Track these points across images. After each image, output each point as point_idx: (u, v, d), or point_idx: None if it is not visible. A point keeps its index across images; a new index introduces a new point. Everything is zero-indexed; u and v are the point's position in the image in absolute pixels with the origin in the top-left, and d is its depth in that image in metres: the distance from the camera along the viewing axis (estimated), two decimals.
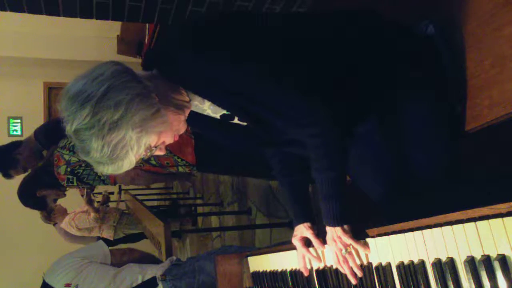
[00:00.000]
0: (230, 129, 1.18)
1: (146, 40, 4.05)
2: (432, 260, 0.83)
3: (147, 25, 3.93)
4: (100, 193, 4.86)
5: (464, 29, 1.14)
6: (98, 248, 2.48)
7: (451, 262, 0.79)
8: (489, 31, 1.07)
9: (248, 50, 0.97)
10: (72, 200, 3.95)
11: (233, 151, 1.85)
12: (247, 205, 3.71)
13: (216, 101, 1.06)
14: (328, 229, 1.06)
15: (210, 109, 1.13)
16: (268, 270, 1.37)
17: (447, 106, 1.14)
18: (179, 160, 2.09)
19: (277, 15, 1.42)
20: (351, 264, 1.03)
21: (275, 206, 3.11)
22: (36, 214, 3.78)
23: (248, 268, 1.48)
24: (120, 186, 5.00)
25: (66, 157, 2.10)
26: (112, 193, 5.07)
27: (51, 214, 4.31)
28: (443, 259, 0.81)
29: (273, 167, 1.29)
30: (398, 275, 0.91)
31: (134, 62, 3.74)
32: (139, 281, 2.13)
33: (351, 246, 1.03)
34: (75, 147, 0.95)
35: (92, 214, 4.43)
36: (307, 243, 1.18)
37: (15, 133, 6.37)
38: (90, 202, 4.42)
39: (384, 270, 0.95)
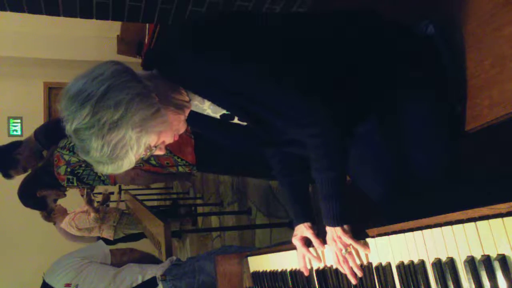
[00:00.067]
0: (230, 129, 1.18)
1: (146, 40, 4.05)
2: (432, 260, 0.83)
3: (147, 25, 3.93)
4: (100, 193, 4.86)
5: (464, 29, 1.14)
6: (98, 248, 2.48)
7: (451, 262, 0.79)
8: (489, 31, 1.07)
9: (248, 50, 0.97)
10: (72, 200, 3.95)
11: (233, 151, 1.85)
12: (247, 205, 3.71)
13: (216, 101, 1.06)
14: (328, 229, 1.06)
15: (210, 109, 1.13)
16: (268, 270, 1.37)
17: (447, 106, 1.14)
18: (179, 160, 2.09)
19: (277, 15, 1.42)
20: (351, 264, 1.03)
21: (275, 206, 3.11)
22: (36, 214, 3.78)
23: (248, 268, 1.48)
24: (120, 186, 5.01)
25: (66, 157, 2.10)
26: (112, 193, 5.07)
27: (51, 214, 4.31)
28: (443, 259, 0.81)
29: (273, 167, 1.29)
30: (398, 275, 0.91)
31: (134, 62, 3.74)
32: (139, 281, 2.13)
33: (351, 246, 1.03)
34: (75, 146, 0.96)
35: (92, 214, 4.43)
36: (307, 243, 1.18)
37: (15, 133, 6.37)
38: (90, 202, 4.42)
39: (384, 270, 0.95)
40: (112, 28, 4.84)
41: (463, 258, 0.77)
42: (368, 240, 1.01)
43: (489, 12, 1.07)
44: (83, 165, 2.08)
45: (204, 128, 1.23)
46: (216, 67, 0.96)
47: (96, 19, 2.24)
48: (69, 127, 0.91)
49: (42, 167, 2.27)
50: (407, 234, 0.90)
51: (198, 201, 5.69)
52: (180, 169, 2.14)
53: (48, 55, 6.33)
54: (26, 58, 6.30)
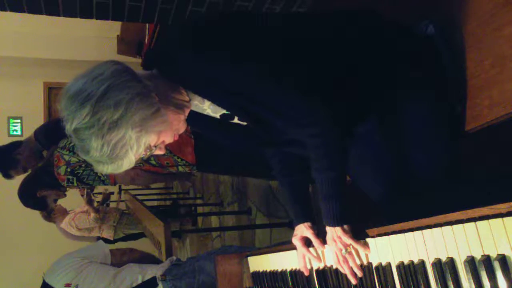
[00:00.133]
0: (230, 129, 1.18)
1: (146, 40, 4.05)
2: (432, 260, 0.83)
3: (147, 25, 3.93)
4: (100, 193, 4.86)
5: (464, 29, 1.14)
6: (98, 248, 2.48)
7: (451, 262, 0.79)
8: (489, 31, 1.07)
9: (248, 50, 0.97)
10: (72, 200, 3.95)
11: (233, 151, 1.85)
12: (247, 205, 3.71)
13: (216, 101, 1.06)
14: (328, 229, 1.06)
15: (210, 109, 1.13)
16: (268, 270, 1.37)
17: (447, 106, 1.14)
18: (179, 160, 2.09)
19: (277, 15, 1.42)
20: (351, 264, 1.03)
21: (275, 206, 3.11)
22: (36, 214, 3.78)
23: (248, 268, 1.48)
24: (120, 186, 5.01)
25: (66, 157, 2.10)
26: (112, 193, 5.07)
27: (51, 214, 4.31)
28: (443, 259, 0.81)
29: (273, 167, 1.29)
30: (398, 275, 0.91)
31: (134, 62, 3.74)
32: (139, 281, 2.13)
33: (351, 246, 1.03)
34: (75, 146, 0.96)
35: (92, 214, 4.43)
36: (307, 243, 1.18)
37: (15, 133, 6.37)
38: (90, 202, 4.42)
39: (384, 270, 0.95)
40: (112, 28, 4.84)
41: (463, 258, 0.77)
42: (368, 240, 1.01)
43: (489, 12, 1.07)
44: (83, 165, 2.08)
45: (204, 128, 1.23)
46: (216, 67, 0.96)
47: (96, 19, 2.24)
48: (69, 127, 0.91)
49: (42, 167, 2.27)
50: (407, 234, 0.90)
51: (198, 201, 5.69)
52: (180, 169, 2.14)
53: (48, 55, 6.33)
54: (26, 58, 6.30)
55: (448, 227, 0.80)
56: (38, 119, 5.84)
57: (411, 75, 1.10)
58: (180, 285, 2.06)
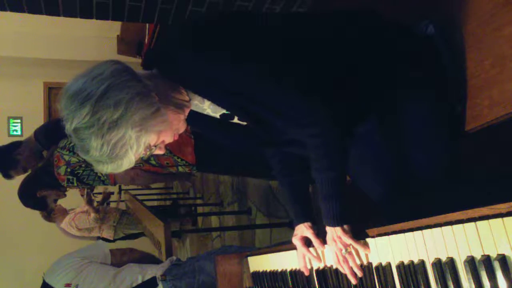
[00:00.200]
0: (230, 128, 1.18)
1: (146, 40, 4.05)
2: (432, 260, 0.83)
3: (147, 25, 3.93)
4: (100, 193, 4.86)
5: (464, 29, 1.14)
6: (98, 248, 2.48)
7: (451, 262, 0.79)
8: (489, 31, 1.07)
9: (248, 50, 0.97)
10: (72, 200, 3.95)
11: (233, 151, 1.85)
12: (247, 205, 3.71)
13: (216, 100, 1.06)
14: (328, 229, 1.06)
15: (209, 109, 1.13)
16: (268, 270, 1.37)
17: (447, 106, 1.14)
18: (179, 160, 2.09)
19: (277, 15, 1.42)
20: (351, 264, 1.03)
21: (275, 206, 3.10)
22: (36, 214, 3.78)
23: (248, 268, 1.48)
24: (120, 186, 5.01)
25: (66, 157, 2.10)
26: (112, 193, 5.07)
27: (51, 214, 4.31)
28: (443, 259, 0.81)
29: (273, 167, 1.28)
30: (398, 275, 0.91)
31: (134, 62, 3.74)
32: (139, 281, 2.13)
33: (351, 246, 1.03)
34: (75, 146, 0.96)
35: (92, 215, 4.43)
36: (307, 242, 1.18)
37: (15, 133, 6.37)
38: (90, 202, 4.42)
39: (384, 270, 0.95)
40: (112, 28, 4.84)
41: (463, 258, 0.77)
42: (368, 240, 1.01)
43: (489, 12, 1.07)
44: (83, 165, 2.08)
45: (204, 127, 1.23)
46: (216, 67, 0.96)
47: (96, 19, 2.24)
48: (68, 126, 0.91)
49: (42, 167, 2.27)
50: (407, 234, 0.90)
51: (198, 201, 5.69)
52: (180, 169, 2.14)
53: (48, 55, 6.32)
54: (26, 58, 6.30)
55: (448, 227, 0.80)
56: (38, 119, 5.84)
57: (411, 75, 1.10)
58: (180, 285, 2.06)
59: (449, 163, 1.09)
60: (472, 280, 0.74)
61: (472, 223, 0.75)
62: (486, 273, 0.72)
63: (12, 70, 6.36)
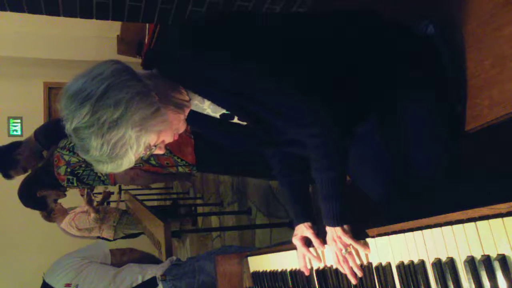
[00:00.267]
0: (230, 128, 1.18)
1: (146, 40, 4.05)
2: (432, 260, 0.83)
3: (147, 25, 3.93)
4: (100, 193, 4.86)
5: (464, 29, 1.14)
6: (98, 248, 2.48)
7: (451, 262, 0.79)
8: (489, 31, 1.07)
9: (248, 50, 0.97)
10: (72, 200, 3.95)
11: (233, 151, 1.85)
12: (247, 205, 3.71)
13: (216, 100, 1.06)
14: (328, 229, 1.06)
15: (209, 109, 1.13)
16: (268, 270, 1.37)
17: (447, 106, 1.14)
18: (179, 160, 2.09)
19: (277, 15, 1.42)
20: (351, 264, 1.03)
21: (275, 206, 3.10)
22: (36, 214, 3.78)
23: (248, 268, 1.48)
24: (120, 186, 5.01)
25: (66, 157, 2.10)
26: (112, 192, 5.07)
27: (51, 214, 4.31)
28: (443, 259, 0.81)
29: (273, 167, 1.28)
30: (398, 275, 0.91)
31: (134, 62, 3.73)
32: (139, 281, 2.13)
33: (351, 246, 1.03)
34: (75, 146, 0.96)
35: (92, 215, 4.43)
36: (308, 243, 1.18)
37: (15, 133, 6.37)
38: (90, 202, 4.42)
39: (384, 270, 0.95)
40: (112, 28, 4.84)
41: (463, 258, 0.77)
42: (368, 240, 1.01)
43: (489, 12, 1.07)
44: (83, 165, 2.08)
45: (204, 127, 1.23)
46: (216, 67, 0.96)
47: (96, 19, 2.24)
48: (68, 126, 0.91)
49: (42, 167, 2.27)
50: (407, 234, 0.90)
51: (198, 201, 5.69)
52: (180, 169, 2.14)
53: (48, 55, 6.32)
54: (26, 58, 6.30)
55: (448, 227, 0.80)
56: (38, 119, 5.84)
57: (411, 75, 1.10)
58: (180, 285, 2.06)
59: (449, 163, 1.09)
60: (472, 280, 0.74)
61: (472, 223, 0.75)
62: (486, 273, 0.72)
63: (12, 70, 6.36)
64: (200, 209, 5.30)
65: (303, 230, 1.18)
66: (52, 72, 6.45)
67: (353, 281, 1.02)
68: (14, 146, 2.37)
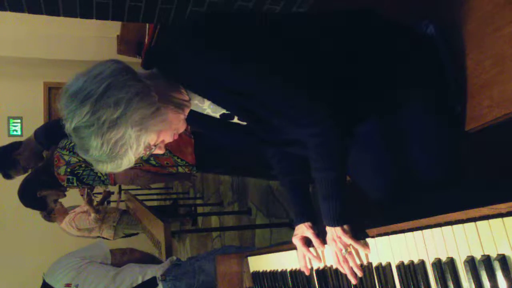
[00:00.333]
0: (230, 128, 1.18)
1: (146, 40, 4.05)
2: (432, 260, 0.83)
3: (147, 25, 3.93)
4: (100, 193, 4.86)
5: (464, 29, 1.14)
6: (98, 248, 2.48)
7: (451, 262, 0.79)
8: (489, 31, 1.07)
9: (248, 50, 0.97)
10: (72, 200, 3.94)
11: (233, 151, 1.85)
12: (247, 205, 3.71)
13: (216, 100, 1.06)
14: (328, 229, 1.06)
15: (210, 109, 1.13)
16: (268, 270, 1.37)
17: (447, 106, 1.14)
18: (178, 160, 2.09)
19: (277, 15, 1.43)
20: (351, 264, 1.03)
21: (275, 206, 3.10)
22: (36, 214, 3.78)
23: (248, 268, 1.48)
24: (120, 186, 5.00)
25: (66, 157, 2.10)
26: (112, 192, 5.07)
27: (51, 214, 4.31)
28: (443, 259, 0.81)
29: (273, 167, 1.28)
30: (398, 275, 0.91)
31: (134, 62, 3.74)
32: (139, 281, 2.13)
33: (351, 246, 1.03)
34: (75, 145, 0.96)
35: (92, 215, 4.43)
36: (308, 242, 1.18)
37: (15, 133, 6.36)
38: (90, 202, 4.41)
39: (384, 270, 0.95)
40: (112, 28, 4.84)
41: (463, 258, 0.77)
42: (368, 240, 1.01)
43: (489, 12, 1.07)
44: (83, 165, 2.09)
45: (204, 127, 1.23)
46: (216, 67, 0.96)
47: (96, 19, 2.24)
48: (68, 126, 0.91)
49: (42, 168, 2.27)
50: (407, 234, 0.90)
51: (198, 201, 5.69)
52: (180, 169, 2.15)
53: (48, 55, 6.32)
54: (26, 58, 6.30)
55: (448, 227, 0.80)
56: (38, 119, 5.85)
57: (411, 75, 1.10)
58: (180, 285, 2.06)
59: (449, 163, 1.09)
60: (472, 280, 0.74)
61: (472, 223, 0.75)
62: (486, 273, 0.72)
63: (12, 70, 6.36)
64: (200, 209, 5.30)
65: (303, 230, 1.18)
66: (52, 72, 6.44)
67: (353, 281, 1.02)
68: (14, 146, 2.37)
